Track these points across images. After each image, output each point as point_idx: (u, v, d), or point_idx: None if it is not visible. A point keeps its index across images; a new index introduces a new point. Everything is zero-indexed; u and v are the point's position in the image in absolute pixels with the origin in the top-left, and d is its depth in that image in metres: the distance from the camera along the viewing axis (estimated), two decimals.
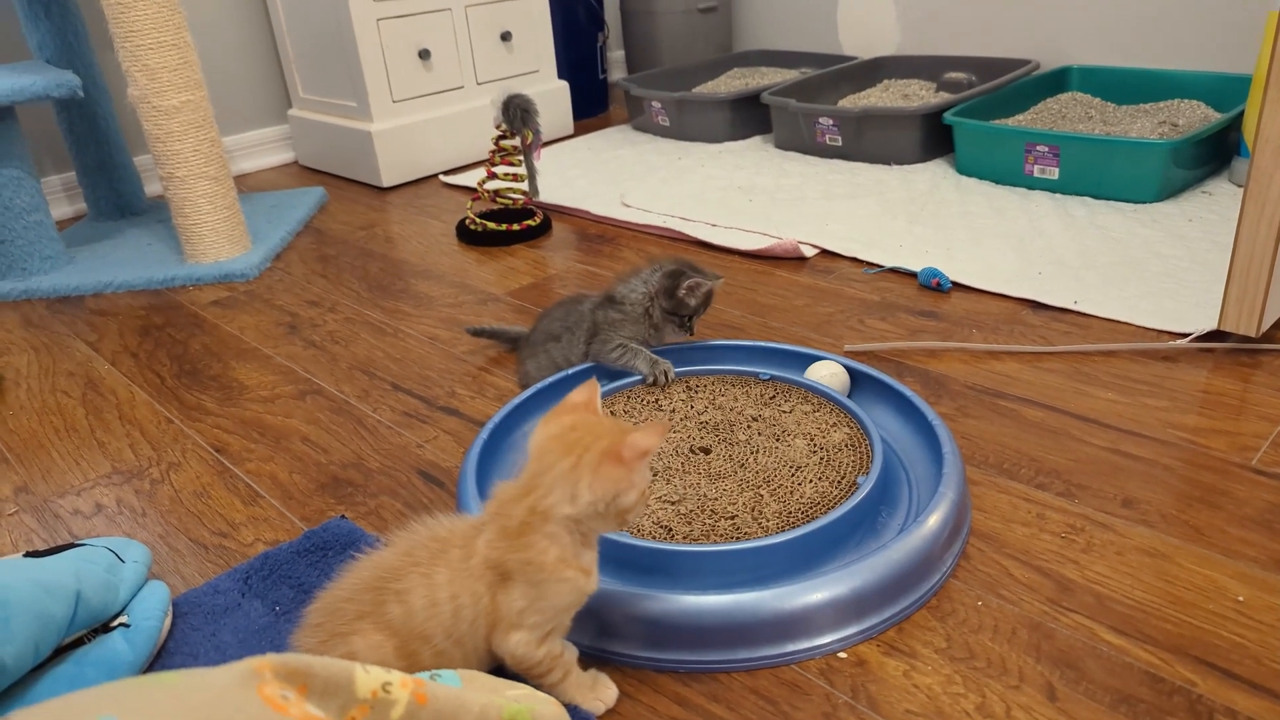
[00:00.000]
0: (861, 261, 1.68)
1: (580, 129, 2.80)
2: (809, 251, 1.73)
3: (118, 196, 2.17)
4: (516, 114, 1.84)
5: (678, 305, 1.24)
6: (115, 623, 0.86)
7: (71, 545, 0.92)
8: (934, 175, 2.10)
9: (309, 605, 0.76)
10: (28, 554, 0.89)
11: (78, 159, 2.11)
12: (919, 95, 2.48)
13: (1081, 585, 0.90)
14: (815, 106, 2.27)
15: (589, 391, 0.78)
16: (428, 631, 0.72)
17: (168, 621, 0.90)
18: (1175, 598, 0.87)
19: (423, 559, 0.74)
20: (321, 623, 0.74)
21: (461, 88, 2.47)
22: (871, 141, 2.21)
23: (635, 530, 0.94)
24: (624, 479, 0.71)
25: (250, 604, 0.93)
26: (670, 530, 0.94)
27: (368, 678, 0.58)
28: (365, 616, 0.73)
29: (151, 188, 2.41)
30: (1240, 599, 0.86)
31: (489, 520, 0.75)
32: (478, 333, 1.47)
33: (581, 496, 0.71)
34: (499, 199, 1.96)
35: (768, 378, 1.19)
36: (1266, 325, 1.25)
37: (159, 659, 0.88)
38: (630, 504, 0.72)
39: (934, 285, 1.54)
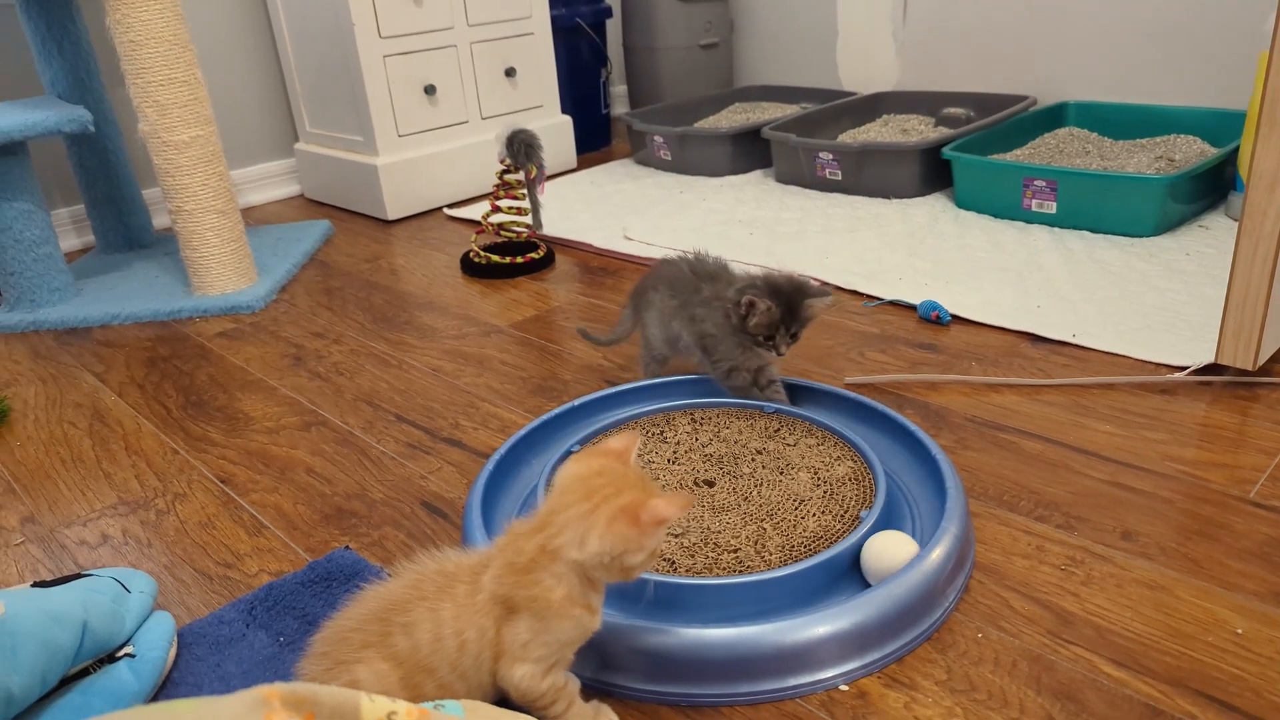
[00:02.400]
0: (861, 294, 1.70)
1: (583, 163, 2.83)
2: None
3: (126, 229, 2.20)
4: (520, 148, 1.87)
5: (743, 324, 1.17)
6: (121, 653, 0.86)
7: (78, 576, 0.92)
8: (933, 209, 2.12)
9: (314, 634, 0.77)
10: (35, 584, 0.89)
11: (87, 192, 2.14)
12: (918, 130, 2.51)
13: (1081, 618, 0.90)
14: (815, 141, 2.29)
15: (628, 441, 0.77)
16: (432, 665, 0.73)
17: (173, 652, 0.91)
18: (1175, 630, 0.88)
19: (429, 593, 0.74)
20: (328, 651, 0.75)
21: (466, 122, 2.50)
22: (871, 176, 2.23)
23: None
24: (634, 540, 0.71)
25: (255, 634, 0.94)
26: (673, 563, 0.94)
27: (373, 706, 0.59)
28: (371, 646, 0.73)
29: (159, 220, 2.44)
30: (1239, 631, 0.87)
31: (498, 554, 0.75)
32: (585, 335, 1.46)
33: (589, 545, 0.71)
34: (503, 232, 1.99)
35: (772, 410, 1.20)
36: (1263, 359, 1.26)
37: (164, 689, 0.88)
38: (636, 564, 0.73)
39: (933, 318, 1.56)
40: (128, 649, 0.87)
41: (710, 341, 1.21)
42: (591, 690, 0.85)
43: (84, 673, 0.84)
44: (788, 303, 1.16)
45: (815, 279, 1.76)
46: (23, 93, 2.22)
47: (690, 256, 1.28)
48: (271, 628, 0.94)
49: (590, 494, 0.72)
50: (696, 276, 1.25)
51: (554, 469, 1.10)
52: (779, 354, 1.19)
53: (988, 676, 0.84)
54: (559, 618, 0.73)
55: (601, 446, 0.77)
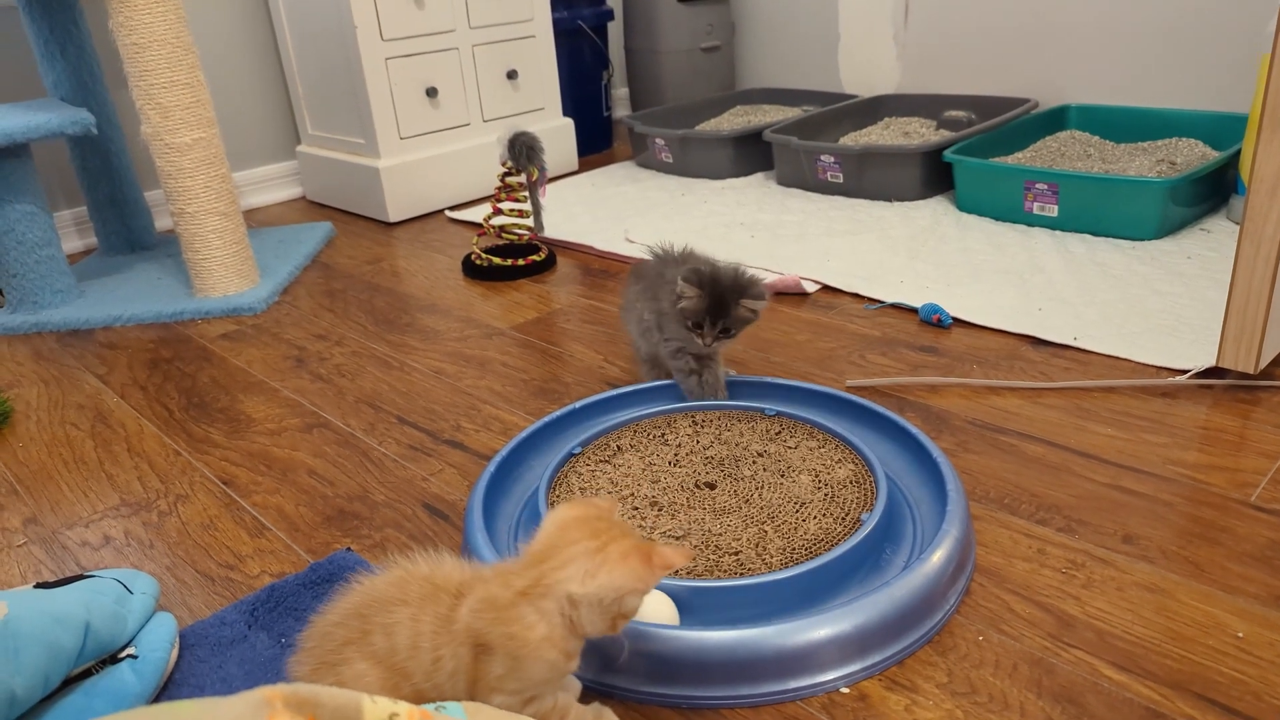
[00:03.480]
0: (863, 297, 1.70)
1: (585, 165, 2.83)
2: (811, 287, 1.75)
3: (128, 231, 2.20)
4: (522, 151, 1.87)
5: (675, 305, 1.18)
6: (123, 654, 0.86)
7: (81, 577, 0.93)
8: (934, 212, 2.12)
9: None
10: (38, 585, 0.90)
11: (89, 194, 2.15)
12: (919, 133, 2.51)
13: (1082, 621, 0.90)
14: (817, 144, 2.30)
15: (610, 502, 0.79)
16: (408, 669, 0.72)
17: (175, 653, 0.91)
18: (1175, 633, 0.88)
19: (413, 598, 0.73)
20: (313, 648, 0.74)
21: (468, 125, 2.50)
22: (872, 178, 2.24)
23: None
24: (642, 579, 0.71)
25: (256, 636, 0.94)
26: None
27: (375, 708, 0.59)
28: (351, 644, 0.73)
29: (162, 222, 2.44)
30: (1240, 635, 0.87)
31: (481, 585, 0.74)
32: None
33: (598, 578, 0.70)
34: (504, 234, 1.99)
35: (773, 413, 1.20)
36: (1265, 362, 1.26)
37: (166, 690, 0.88)
38: (630, 609, 0.73)
39: (934, 321, 1.56)
40: (130, 650, 0.87)
41: (663, 319, 1.23)
42: (593, 692, 0.85)
43: (86, 674, 0.84)
44: (718, 297, 1.16)
45: (809, 279, 1.76)
46: (26, 95, 2.22)
47: (660, 251, 1.30)
48: (273, 629, 0.94)
49: (596, 534, 0.73)
50: (663, 264, 1.27)
51: (555, 471, 1.10)
52: (704, 345, 1.19)
53: (989, 679, 0.84)
54: (533, 659, 0.71)
55: (589, 499, 0.79)
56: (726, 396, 1.25)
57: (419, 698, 0.72)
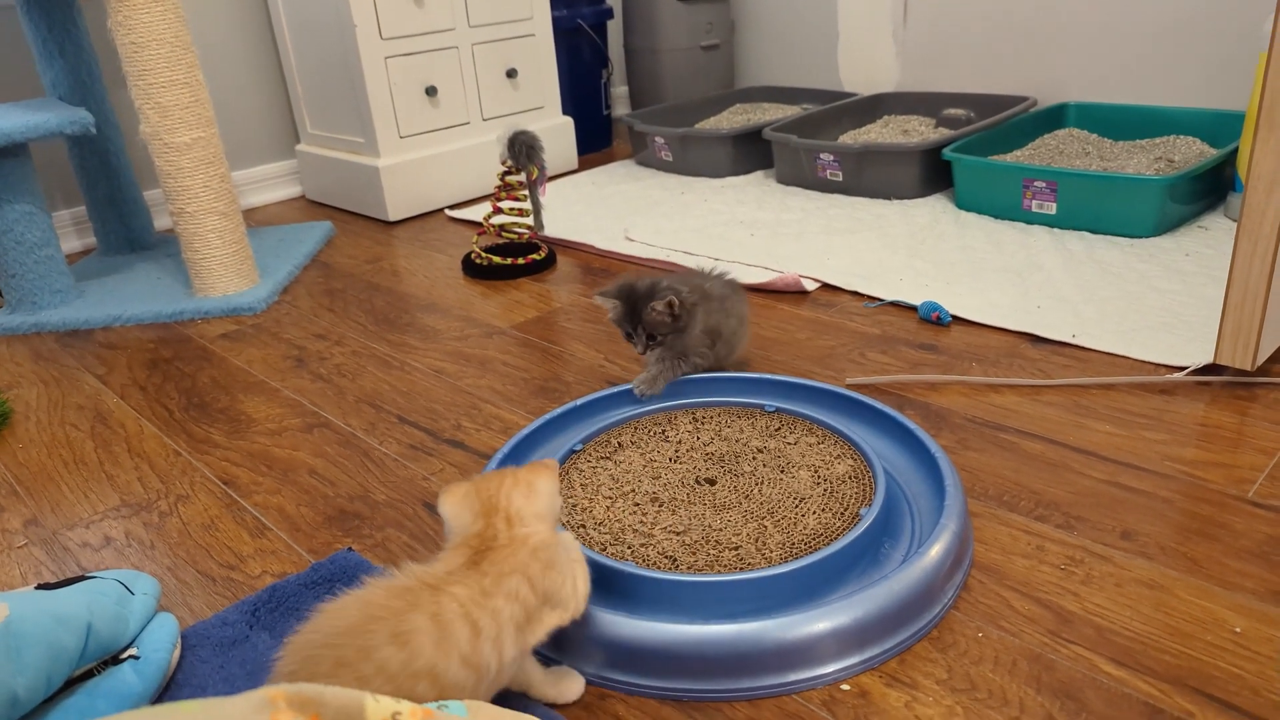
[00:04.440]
0: (862, 295, 1.70)
1: (584, 164, 2.83)
2: (810, 285, 1.75)
3: (127, 231, 2.20)
4: (522, 150, 1.87)
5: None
6: (125, 655, 0.87)
7: (82, 578, 0.93)
8: (933, 210, 2.13)
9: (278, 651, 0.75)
10: (39, 586, 0.90)
11: (88, 194, 2.15)
12: (918, 131, 2.51)
13: (1081, 617, 0.90)
14: (816, 142, 2.30)
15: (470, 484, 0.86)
16: (436, 670, 0.71)
17: (176, 653, 0.91)
18: (1174, 629, 0.88)
19: (424, 601, 0.73)
20: (294, 671, 0.71)
21: (467, 124, 2.51)
22: (872, 177, 2.24)
23: (641, 560, 0.95)
24: (549, 469, 0.84)
25: (258, 636, 0.94)
26: (675, 560, 0.95)
27: (378, 707, 0.59)
28: (347, 665, 0.70)
29: (161, 222, 2.45)
30: (1238, 630, 0.87)
31: (461, 564, 0.78)
32: None
33: (535, 487, 0.82)
34: (504, 233, 1.99)
35: (773, 410, 1.21)
36: (1262, 359, 1.26)
37: (168, 690, 0.89)
38: (556, 588, 0.79)
39: (934, 319, 1.56)
40: (132, 650, 0.88)
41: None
42: (595, 686, 0.85)
43: (88, 674, 0.84)
44: (630, 304, 1.26)
45: (809, 277, 1.76)
46: (24, 94, 2.22)
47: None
48: (275, 629, 0.95)
49: (487, 480, 0.83)
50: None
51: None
52: (639, 351, 1.28)
53: (988, 675, 0.84)
54: (561, 564, 0.81)
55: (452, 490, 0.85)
56: (657, 392, 1.27)
57: (454, 692, 0.72)
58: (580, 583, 0.82)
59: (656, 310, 1.24)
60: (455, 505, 0.82)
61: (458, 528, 0.81)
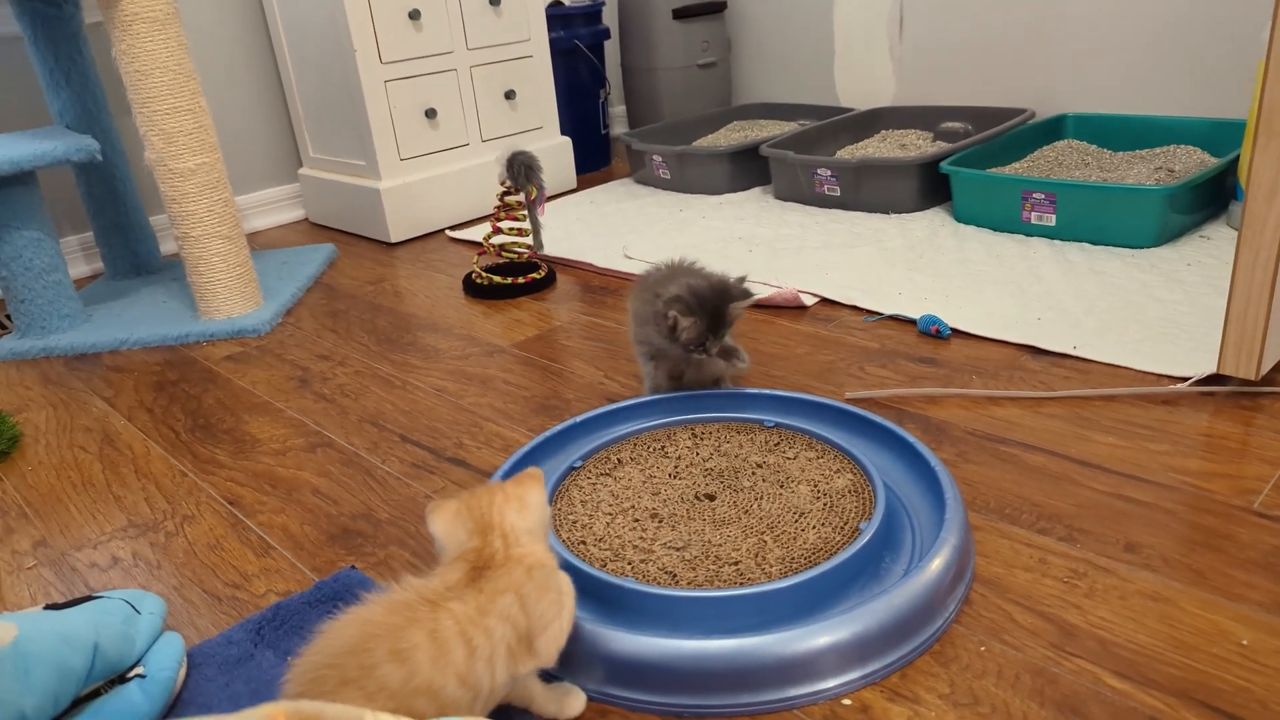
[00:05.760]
0: (861, 309, 1.71)
1: (583, 183, 2.85)
2: (809, 300, 1.76)
3: (134, 256, 2.22)
4: (520, 170, 1.88)
5: (673, 336, 1.22)
6: (131, 674, 0.87)
7: (89, 598, 0.93)
8: (932, 223, 2.13)
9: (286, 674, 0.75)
10: (47, 607, 0.90)
11: (95, 220, 2.17)
12: (916, 145, 2.52)
13: (1085, 630, 0.90)
14: (814, 158, 2.31)
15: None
16: (434, 685, 0.71)
17: (182, 672, 0.91)
18: (1179, 642, 0.88)
19: (423, 617, 0.74)
20: (301, 693, 0.71)
21: (467, 145, 2.52)
22: (870, 191, 2.25)
23: (641, 576, 0.95)
24: (535, 479, 0.85)
25: (263, 654, 0.94)
26: (675, 576, 0.95)
27: None
28: (350, 683, 0.70)
29: (166, 247, 2.46)
30: (1244, 643, 0.87)
31: (458, 581, 0.78)
32: None
33: (525, 501, 0.82)
34: (504, 253, 2.00)
35: (772, 425, 1.21)
36: (1266, 368, 1.26)
37: (174, 709, 0.89)
38: (545, 611, 0.78)
39: (933, 332, 1.56)
40: (138, 670, 0.88)
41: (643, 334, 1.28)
42: (596, 702, 0.85)
43: (95, 694, 0.84)
44: (712, 313, 1.20)
45: (807, 292, 1.77)
46: (31, 123, 2.25)
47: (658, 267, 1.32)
48: (279, 647, 0.95)
49: (479, 502, 0.82)
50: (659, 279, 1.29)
51: (557, 485, 1.11)
52: (709, 355, 1.23)
53: (991, 690, 0.84)
54: (553, 583, 0.81)
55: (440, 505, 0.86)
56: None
57: (453, 709, 0.72)
58: (565, 621, 0.81)
59: (739, 307, 1.21)
60: (447, 524, 0.81)
61: (451, 546, 0.81)
